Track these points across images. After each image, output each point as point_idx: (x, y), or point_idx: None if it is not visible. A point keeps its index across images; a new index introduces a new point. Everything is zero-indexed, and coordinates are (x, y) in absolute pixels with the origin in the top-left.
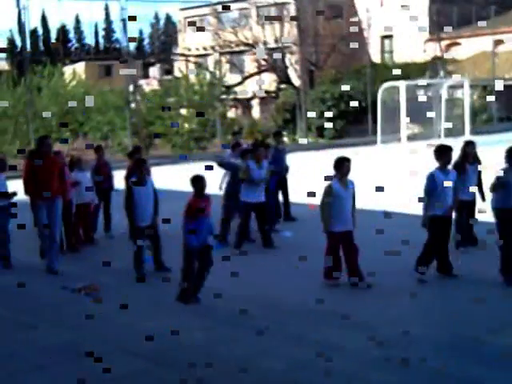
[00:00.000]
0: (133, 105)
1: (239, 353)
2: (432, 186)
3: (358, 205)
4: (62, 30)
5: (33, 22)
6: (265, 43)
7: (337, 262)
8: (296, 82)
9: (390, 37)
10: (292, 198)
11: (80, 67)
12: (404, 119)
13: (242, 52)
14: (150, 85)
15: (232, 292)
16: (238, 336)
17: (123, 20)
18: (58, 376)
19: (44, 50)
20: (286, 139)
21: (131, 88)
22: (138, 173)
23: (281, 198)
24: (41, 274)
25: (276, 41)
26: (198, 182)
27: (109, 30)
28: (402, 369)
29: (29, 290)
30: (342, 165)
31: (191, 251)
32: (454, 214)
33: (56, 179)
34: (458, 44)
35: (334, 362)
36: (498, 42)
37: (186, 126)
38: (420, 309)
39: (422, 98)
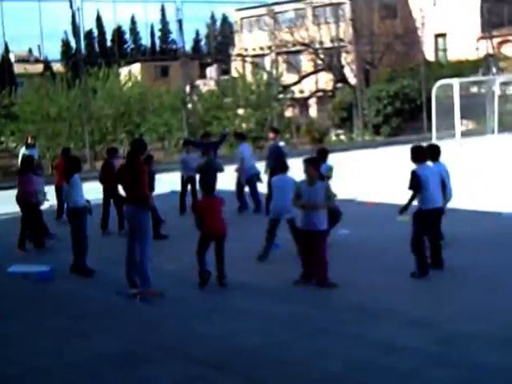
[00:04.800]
0: (189, 105)
1: (297, 354)
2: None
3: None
4: (118, 32)
5: (88, 24)
6: (321, 43)
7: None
8: (352, 80)
9: (443, 35)
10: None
11: (136, 68)
12: (458, 116)
13: (298, 52)
14: (207, 85)
15: (288, 292)
16: (296, 337)
17: (179, 21)
18: None
19: (99, 52)
20: (343, 137)
21: (188, 89)
22: None
23: None
24: (94, 280)
25: (332, 40)
26: None
27: (165, 31)
28: (461, 366)
29: (82, 296)
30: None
31: None
32: None
33: None
34: (510, 41)
35: (393, 360)
36: None
37: (244, 125)
38: (476, 305)
39: (475, 94)
